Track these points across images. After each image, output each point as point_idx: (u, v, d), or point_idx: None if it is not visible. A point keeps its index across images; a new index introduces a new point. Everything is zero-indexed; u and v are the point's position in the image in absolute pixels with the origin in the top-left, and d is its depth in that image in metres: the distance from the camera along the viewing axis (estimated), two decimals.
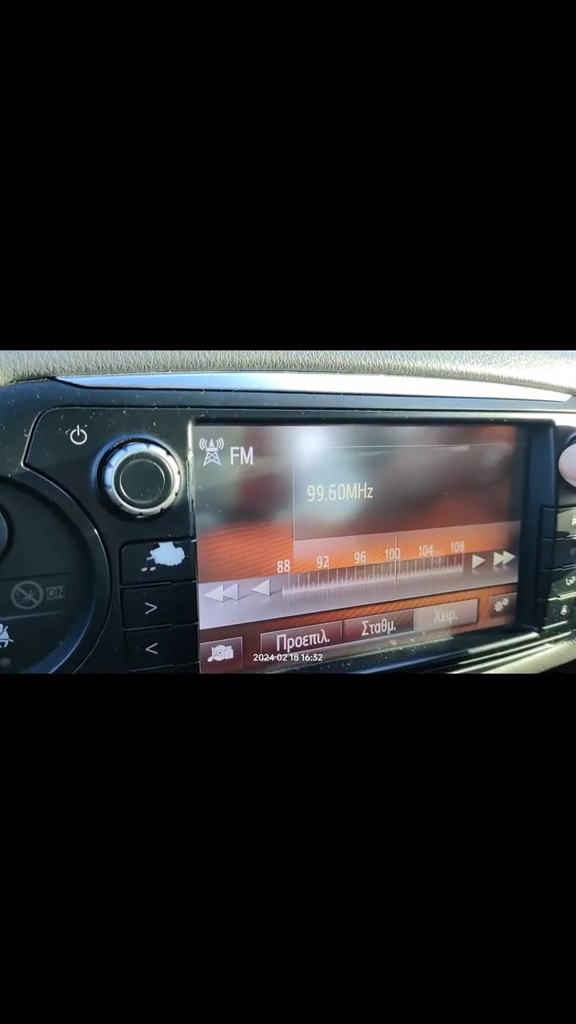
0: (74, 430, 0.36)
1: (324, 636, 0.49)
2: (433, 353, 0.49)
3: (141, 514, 0.37)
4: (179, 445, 0.39)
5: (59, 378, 0.37)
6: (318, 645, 0.49)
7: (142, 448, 0.36)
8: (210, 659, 0.44)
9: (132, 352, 0.38)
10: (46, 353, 0.36)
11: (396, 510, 0.50)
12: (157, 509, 0.38)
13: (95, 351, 0.38)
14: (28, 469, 0.35)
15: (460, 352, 0.51)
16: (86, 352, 0.37)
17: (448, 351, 0.50)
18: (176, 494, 0.38)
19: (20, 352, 0.36)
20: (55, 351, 0.37)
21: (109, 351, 0.38)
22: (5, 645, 0.37)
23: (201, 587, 0.42)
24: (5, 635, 0.37)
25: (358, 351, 0.46)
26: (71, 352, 0.37)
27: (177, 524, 0.39)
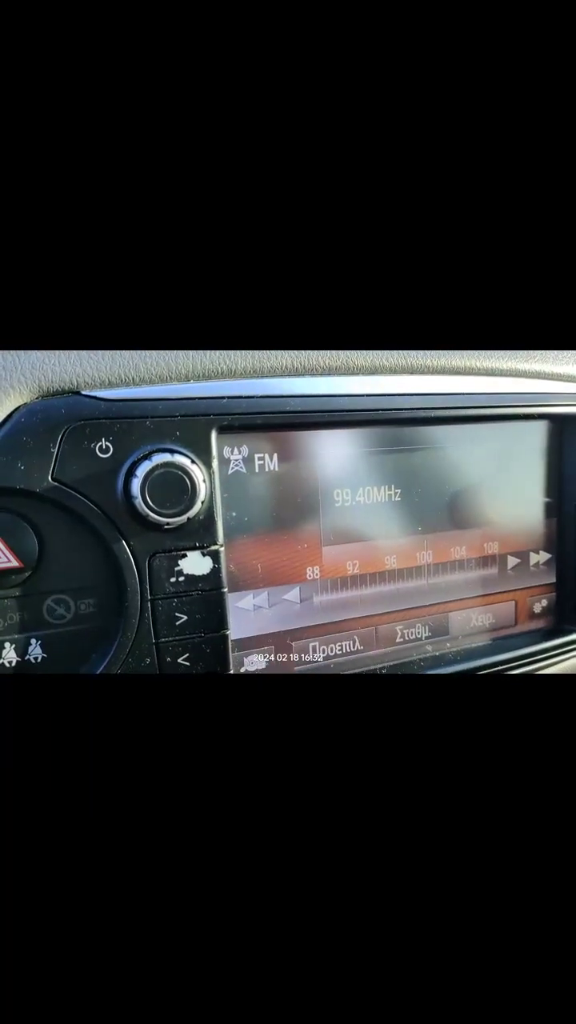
0: (99, 443, 0.36)
1: (357, 643, 0.48)
2: (456, 351, 0.48)
3: (168, 524, 0.37)
4: (203, 453, 0.39)
5: (83, 392, 0.37)
6: (351, 652, 0.48)
7: (167, 458, 0.37)
8: (242, 669, 0.44)
9: (154, 363, 0.39)
10: (69, 368, 0.37)
11: (426, 512, 0.49)
12: (184, 518, 0.38)
13: (118, 364, 0.38)
14: (56, 483, 0.35)
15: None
16: (109, 365, 0.38)
17: (472, 350, 0.49)
18: (202, 503, 0.38)
19: (44, 368, 0.36)
20: (79, 366, 0.37)
21: (131, 362, 0.38)
22: (39, 660, 0.37)
23: (231, 596, 0.42)
24: (39, 650, 0.37)
25: (379, 351, 0.45)
26: (94, 365, 0.37)
27: (204, 533, 0.39)
